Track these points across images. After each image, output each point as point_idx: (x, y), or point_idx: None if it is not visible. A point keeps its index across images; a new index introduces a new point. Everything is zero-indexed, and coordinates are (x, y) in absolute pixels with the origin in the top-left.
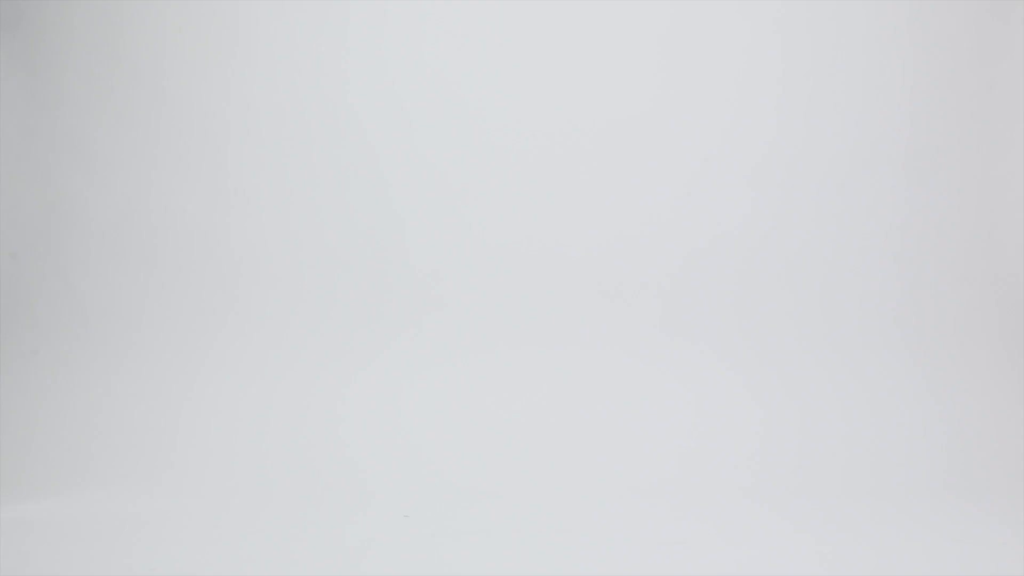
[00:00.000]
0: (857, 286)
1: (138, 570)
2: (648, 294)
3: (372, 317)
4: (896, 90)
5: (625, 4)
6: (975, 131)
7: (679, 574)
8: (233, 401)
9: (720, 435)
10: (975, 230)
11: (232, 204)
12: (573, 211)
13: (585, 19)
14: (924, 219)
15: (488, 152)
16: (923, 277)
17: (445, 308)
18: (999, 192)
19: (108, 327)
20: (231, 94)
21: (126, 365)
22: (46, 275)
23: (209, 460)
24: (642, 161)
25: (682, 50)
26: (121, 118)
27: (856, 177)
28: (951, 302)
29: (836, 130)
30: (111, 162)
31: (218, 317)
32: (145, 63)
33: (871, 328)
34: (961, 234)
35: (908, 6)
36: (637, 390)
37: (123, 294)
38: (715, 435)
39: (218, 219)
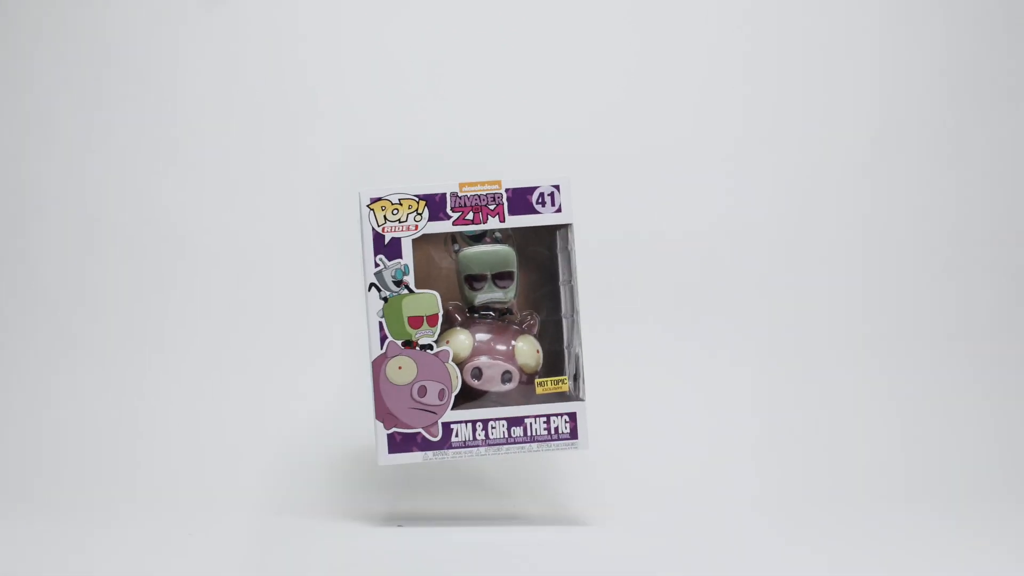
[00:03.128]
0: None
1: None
2: None
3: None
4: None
5: None
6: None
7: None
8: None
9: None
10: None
11: (204, 196)
12: None
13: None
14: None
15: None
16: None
17: None
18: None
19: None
20: (206, 82)
21: (95, 357)
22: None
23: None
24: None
25: (701, 42)
26: (91, 102)
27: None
28: (975, 294)
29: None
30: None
31: (185, 311)
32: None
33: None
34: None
35: None
36: None
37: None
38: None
39: (190, 211)
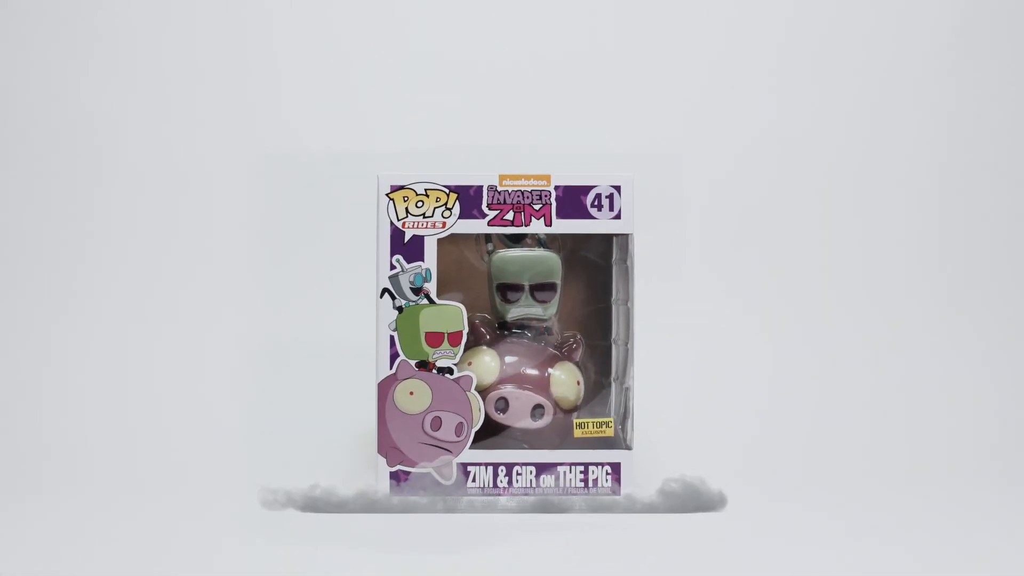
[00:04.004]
0: None
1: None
2: None
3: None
4: None
5: None
6: None
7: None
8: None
9: None
10: None
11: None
12: None
13: None
14: None
15: None
16: None
17: None
18: None
19: None
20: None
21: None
22: None
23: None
24: None
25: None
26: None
27: None
28: None
29: None
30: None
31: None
32: None
33: None
34: None
35: None
36: None
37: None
38: None
39: (115, 116)
